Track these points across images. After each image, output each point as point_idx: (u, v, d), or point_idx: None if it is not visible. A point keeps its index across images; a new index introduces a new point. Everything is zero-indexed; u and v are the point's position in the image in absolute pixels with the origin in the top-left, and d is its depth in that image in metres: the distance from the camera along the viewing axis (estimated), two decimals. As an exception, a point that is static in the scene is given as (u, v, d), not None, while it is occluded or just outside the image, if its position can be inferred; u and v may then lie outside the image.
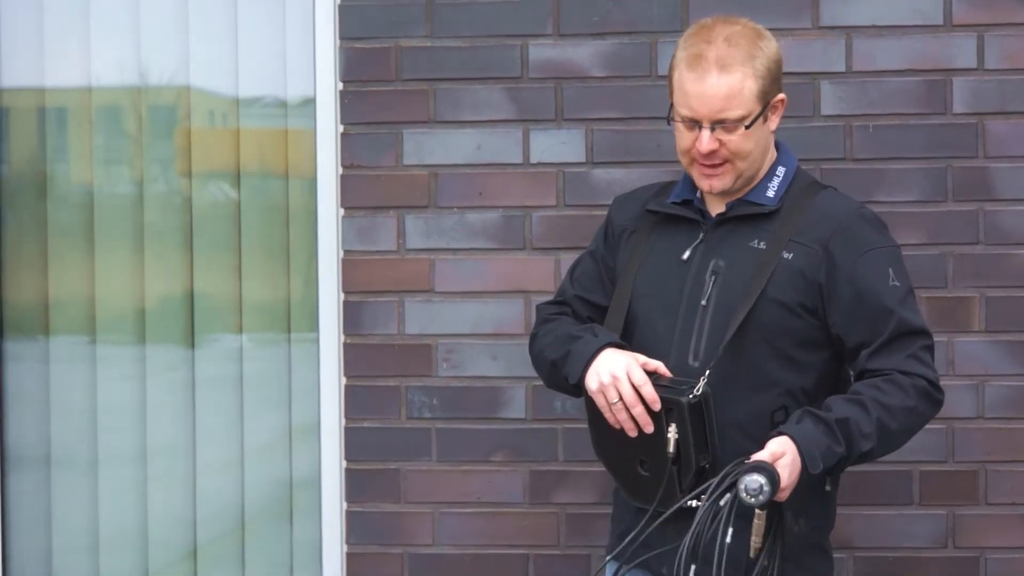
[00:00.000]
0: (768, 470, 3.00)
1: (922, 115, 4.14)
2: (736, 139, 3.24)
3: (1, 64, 4.61)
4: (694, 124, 3.24)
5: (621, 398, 3.19)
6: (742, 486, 2.99)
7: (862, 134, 4.15)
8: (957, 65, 4.13)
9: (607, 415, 3.22)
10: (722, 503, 3.03)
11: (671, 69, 3.31)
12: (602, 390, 3.21)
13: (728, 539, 3.00)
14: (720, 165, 3.27)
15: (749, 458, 3.06)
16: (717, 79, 3.21)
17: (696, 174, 3.30)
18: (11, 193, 4.63)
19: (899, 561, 4.15)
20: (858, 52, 4.15)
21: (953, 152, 4.13)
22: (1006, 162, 4.13)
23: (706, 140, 3.23)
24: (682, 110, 3.26)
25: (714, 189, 3.29)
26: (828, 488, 3.30)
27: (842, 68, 4.16)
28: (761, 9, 4.01)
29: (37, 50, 4.63)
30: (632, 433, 3.20)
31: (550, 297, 3.66)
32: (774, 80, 3.29)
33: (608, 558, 3.36)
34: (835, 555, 3.43)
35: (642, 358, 3.23)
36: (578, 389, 3.32)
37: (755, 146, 3.28)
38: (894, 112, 4.15)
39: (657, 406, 3.17)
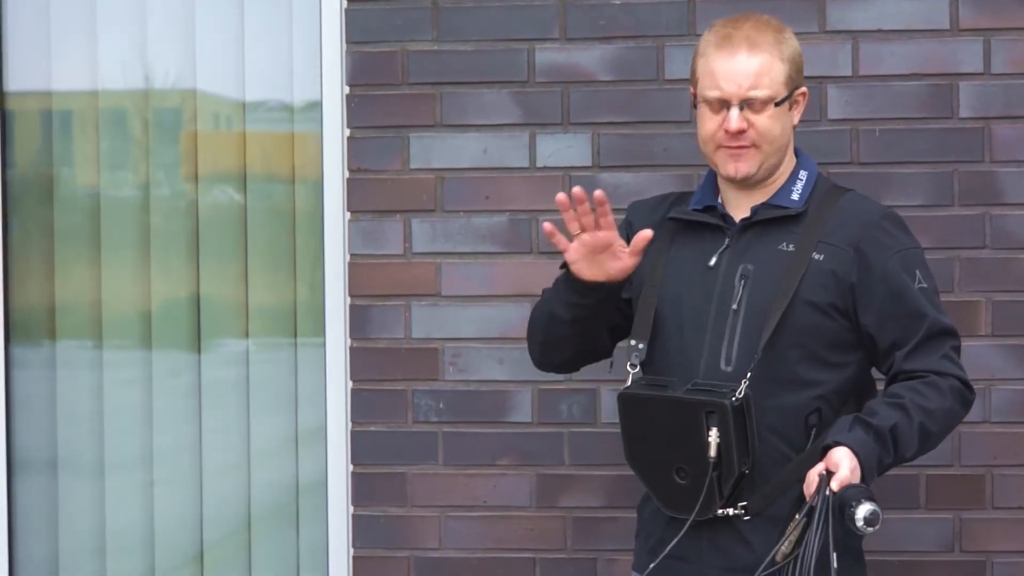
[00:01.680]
0: (873, 496, 2.99)
1: (928, 119, 4.14)
2: (763, 120, 3.25)
3: (7, 68, 4.61)
4: (722, 105, 3.25)
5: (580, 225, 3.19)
6: (859, 516, 2.96)
7: (868, 138, 4.16)
8: (963, 69, 4.14)
9: (573, 232, 3.20)
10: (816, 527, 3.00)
11: (696, 57, 3.32)
12: (567, 216, 3.20)
13: (835, 564, 2.99)
14: (746, 148, 3.26)
15: (829, 473, 3.04)
16: (747, 57, 3.25)
17: (721, 159, 3.29)
18: (17, 197, 4.63)
19: (906, 565, 4.15)
20: (864, 56, 4.16)
21: (959, 156, 4.14)
22: (1012, 166, 4.13)
23: (735, 118, 3.23)
24: (710, 92, 3.26)
25: (739, 173, 3.27)
26: None
27: (848, 72, 4.16)
28: (768, 13, 4.00)
29: (43, 54, 4.63)
30: (590, 234, 3.19)
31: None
32: (798, 69, 3.33)
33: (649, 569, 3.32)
34: (866, 560, 3.40)
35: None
36: (571, 305, 3.29)
37: (781, 133, 3.29)
38: (900, 116, 4.15)
39: (605, 207, 3.16)
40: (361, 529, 4.34)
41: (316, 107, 4.44)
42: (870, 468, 3.09)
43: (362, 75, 4.31)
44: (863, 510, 2.97)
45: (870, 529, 2.98)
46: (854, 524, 2.97)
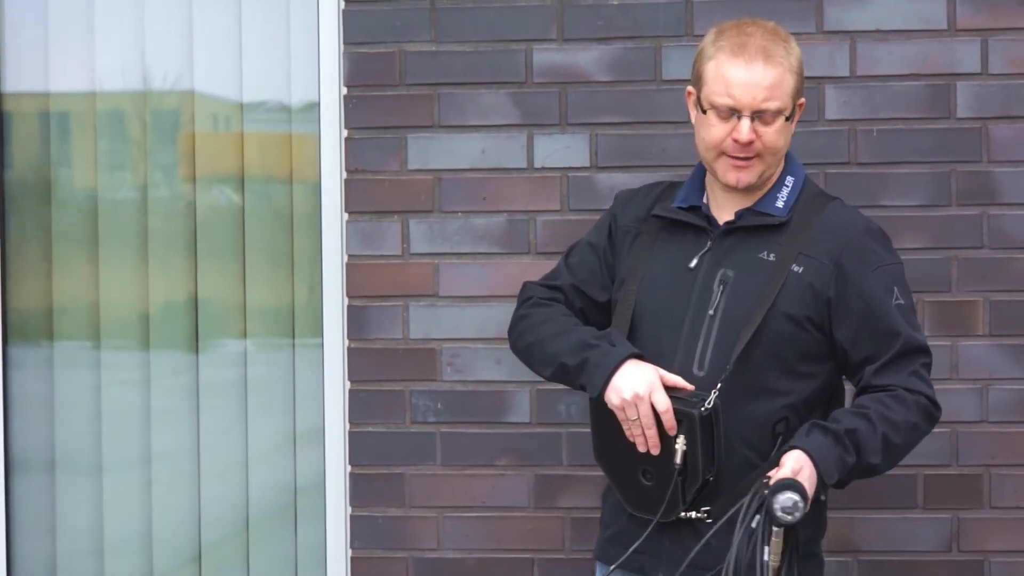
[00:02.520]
0: (798, 486, 2.99)
1: (926, 119, 4.15)
2: (771, 132, 3.23)
3: (5, 69, 4.61)
4: (732, 114, 3.23)
5: (640, 423, 3.17)
6: (776, 506, 2.98)
7: (866, 138, 4.16)
8: (961, 69, 4.14)
9: (624, 429, 3.21)
10: (754, 524, 3.02)
11: (703, 60, 3.28)
12: (623, 407, 3.18)
13: (767, 558, 3.00)
14: (751, 159, 3.25)
15: (770, 478, 3.05)
16: (763, 68, 3.22)
17: (723, 167, 3.27)
18: (15, 198, 4.63)
19: (903, 565, 4.16)
20: (862, 56, 4.16)
21: (957, 156, 4.14)
22: (1010, 166, 4.13)
23: (746, 129, 3.21)
24: (720, 99, 3.23)
25: (741, 183, 3.26)
26: (823, 498, 3.30)
27: (846, 72, 4.16)
28: (766, 14, 4.00)
29: (41, 55, 4.64)
30: (642, 449, 3.19)
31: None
32: (802, 80, 3.30)
33: (612, 568, 3.32)
34: (840, 559, 3.45)
35: (662, 373, 3.20)
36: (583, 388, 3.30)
37: (784, 144, 3.28)
38: (898, 116, 4.15)
39: (673, 432, 3.15)
40: (359, 530, 4.34)
41: (314, 108, 4.44)
42: (828, 467, 3.09)
43: (360, 76, 4.32)
44: (780, 499, 2.98)
45: (788, 518, 2.98)
46: (772, 513, 2.98)
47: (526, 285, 3.54)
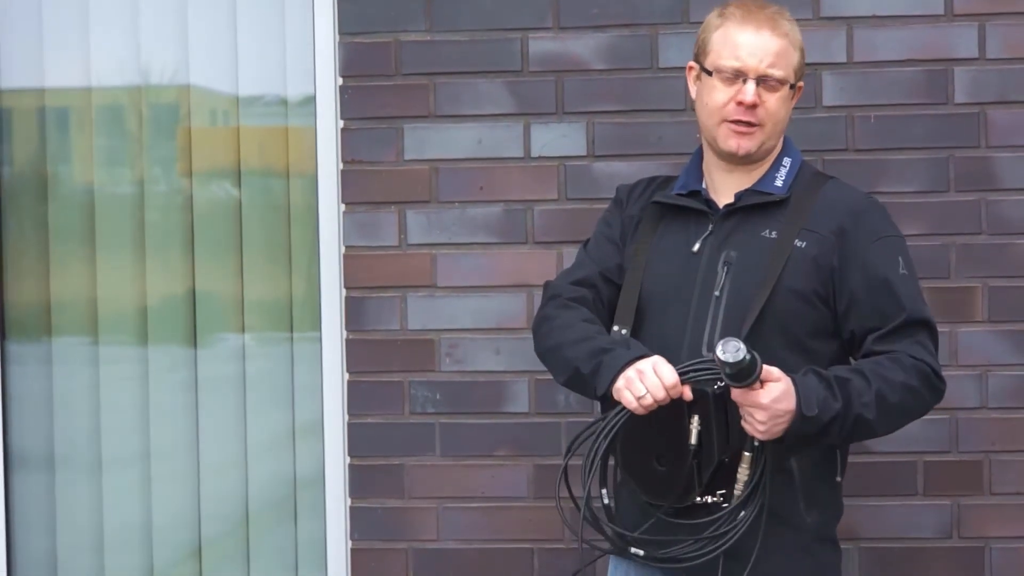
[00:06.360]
0: (745, 344, 3.02)
1: (923, 105, 4.14)
2: (774, 101, 3.29)
3: (1, 65, 4.61)
4: (737, 77, 3.28)
5: (648, 392, 3.12)
6: (719, 347, 2.99)
7: (864, 125, 4.15)
8: (958, 55, 4.14)
9: (634, 408, 3.14)
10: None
11: (709, 31, 3.35)
12: (628, 386, 3.13)
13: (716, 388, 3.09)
14: (753, 126, 3.28)
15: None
16: (771, 35, 3.30)
17: (723, 133, 3.30)
18: (12, 194, 4.63)
19: (904, 552, 4.15)
20: (859, 43, 4.16)
21: (955, 142, 4.13)
22: (1008, 151, 4.13)
23: (751, 91, 3.26)
24: (727, 62, 3.29)
25: (741, 149, 3.29)
26: (839, 479, 3.30)
27: (843, 59, 4.16)
28: None
29: (37, 51, 4.63)
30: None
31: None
32: (804, 62, 3.38)
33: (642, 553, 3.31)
34: (841, 546, 3.42)
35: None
36: (601, 397, 3.26)
37: (784, 116, 3.33)
38: (895, 102, 4.15)
39: (689, 397, 3.12)
40: (359, 521, 4.33)
41: (310, 100, 4.44)
42: (808, 399, 3.08)
43: (355, 66, 4.31)
44: (723, 343, 3.00)
45: (723, 354, 2.99)
46: (717, 353, 3.00)
47: (549, 284, 3.52)
